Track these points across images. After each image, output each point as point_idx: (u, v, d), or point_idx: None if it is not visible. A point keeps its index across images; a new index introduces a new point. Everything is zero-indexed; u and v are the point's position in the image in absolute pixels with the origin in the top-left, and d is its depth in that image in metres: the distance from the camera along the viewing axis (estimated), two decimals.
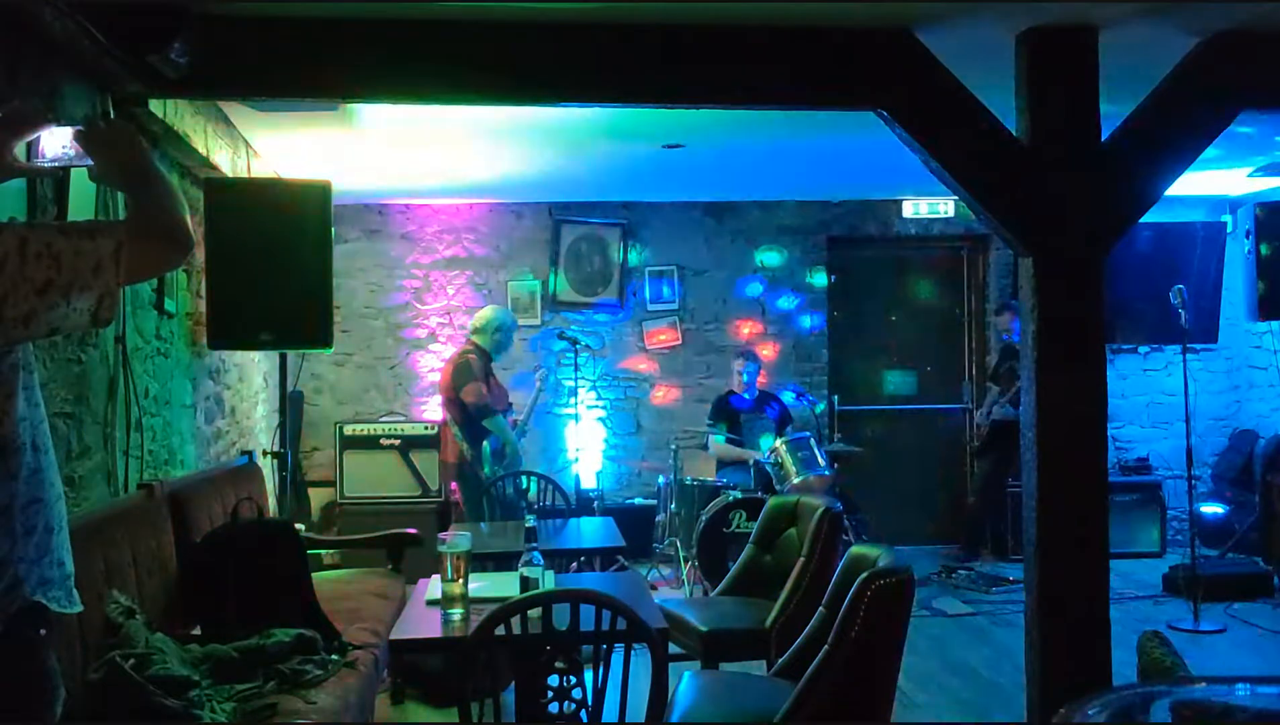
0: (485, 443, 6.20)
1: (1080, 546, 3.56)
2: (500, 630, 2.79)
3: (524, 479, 6.30)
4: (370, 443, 6.85)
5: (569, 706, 2.84)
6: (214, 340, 4.73)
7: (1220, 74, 3.63)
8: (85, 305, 1.87)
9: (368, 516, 6.37)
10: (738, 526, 5.97)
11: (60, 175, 3.16)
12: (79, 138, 2.07)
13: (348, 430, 6.88)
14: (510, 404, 6.62)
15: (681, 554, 6.56)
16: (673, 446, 7.20)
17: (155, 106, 3.84)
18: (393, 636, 3.46)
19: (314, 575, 3.94)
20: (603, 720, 2.86)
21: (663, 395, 7.91)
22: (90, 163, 2.08)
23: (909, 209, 7.97)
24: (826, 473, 6.32)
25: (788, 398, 7.33)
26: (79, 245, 1.86)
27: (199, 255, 4.75)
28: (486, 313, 6.50)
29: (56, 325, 1.88)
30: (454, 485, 6.63)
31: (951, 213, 7.94)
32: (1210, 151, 3.85)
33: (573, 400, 7.35)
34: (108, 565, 3.16)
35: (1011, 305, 7.30)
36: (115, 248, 1.88)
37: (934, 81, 3.57)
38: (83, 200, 3.36)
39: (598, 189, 7.42)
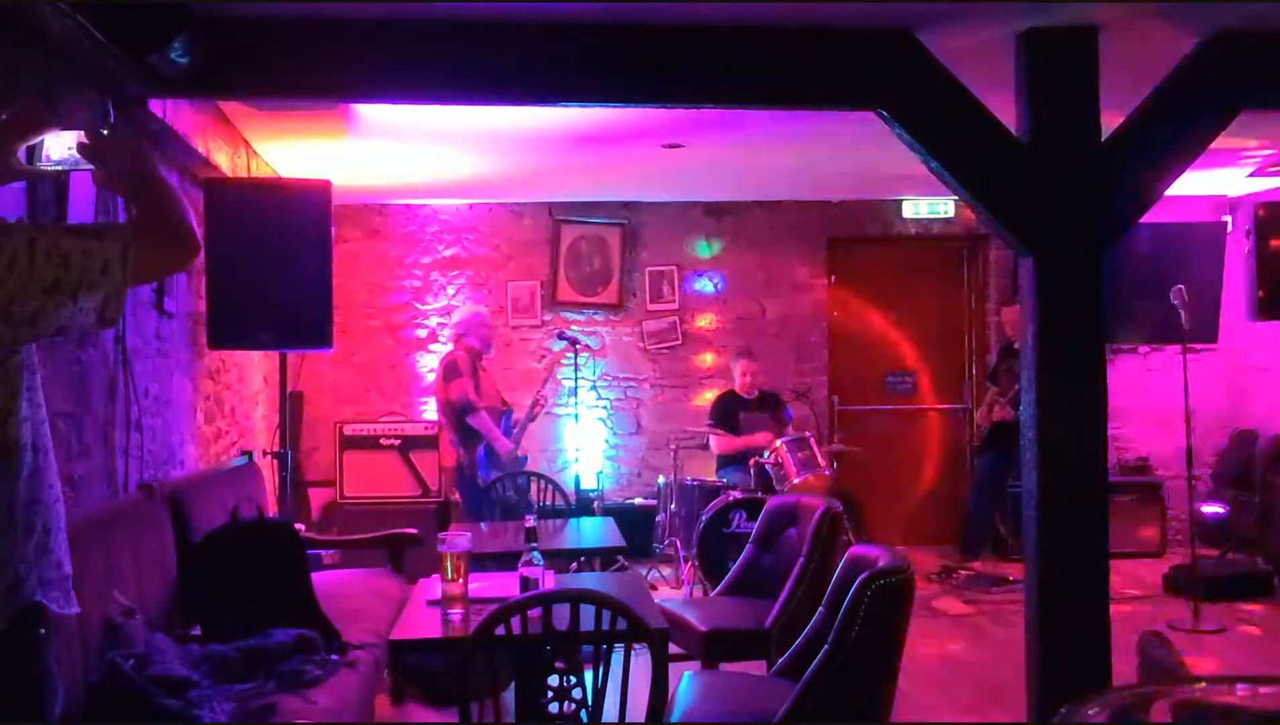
0: (479, 446, 6.21)
1: (1080, 546, 3.56)
2: (500, 630, 2.79)
3: (524, 479, 6.30)
4: (370, 443, 6.85)
5: (569, 706, 2.84)
6: (214, 340, 4.72)
7: (1220, 74, 3.63)
8: (92, 305, 1.88)
9: (368, 516, 6.36)
10: (738, 526, 5.97)
11: (61, 177, 3.16)
12: (82, 150, 2.07)
13: (348, 430, 6.88)
14: (505, 402, 6.62)
15: (681, 554, 6.56)
16: (673, 446, 7.20)
17: (155, 106, 3.85)
18: (393, 636, 3.46)
19: (314, 575, 3.94)
20: (603, 720, 2.86)
21: (663, 395, 7.91)
22: (93, 167, 2.09)
23: (909, 209, 7.98)
24: (826, 473, 6.32)
25: (787, 398, 7.33)
26: (87, 246, 1.87)
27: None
28: (459, 314, 6.65)
29: (64, 324, 1.89)
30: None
31: (951, 213, 7.94)
32: (1210, 152, 3.85)
33: (572, 400, 7.35)
34: (108, 565, 3.16)
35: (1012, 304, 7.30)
36: (123, 249, 1.90)
37: (934, 81, 3.57)
38: (83, 202, 3.36)
39: (598, 189, 7.42)
